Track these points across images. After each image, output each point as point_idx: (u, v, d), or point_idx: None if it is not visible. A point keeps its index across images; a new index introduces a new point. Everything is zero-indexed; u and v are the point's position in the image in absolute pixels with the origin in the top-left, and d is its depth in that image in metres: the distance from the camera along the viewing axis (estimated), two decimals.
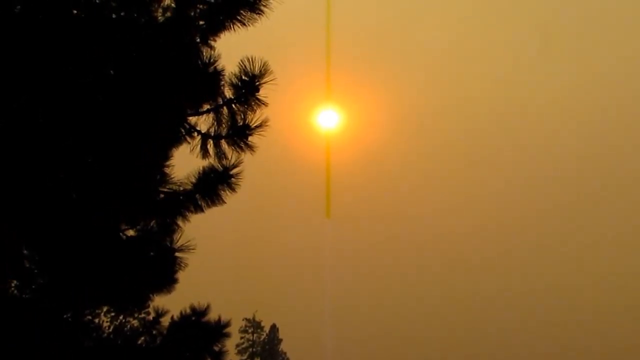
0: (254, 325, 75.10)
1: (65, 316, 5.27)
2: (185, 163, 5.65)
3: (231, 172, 5.62)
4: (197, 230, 5.74)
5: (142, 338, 6.04)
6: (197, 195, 5.59)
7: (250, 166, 5.75)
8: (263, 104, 5.40)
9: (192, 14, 5.36)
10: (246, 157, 5.66)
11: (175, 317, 5.87)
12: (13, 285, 5.20)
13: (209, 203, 5.66)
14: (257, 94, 5.33)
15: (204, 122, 5.49)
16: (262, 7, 5.27)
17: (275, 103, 5.63)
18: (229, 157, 5.56)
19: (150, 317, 6.02)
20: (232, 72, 5.32)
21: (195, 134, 5.50)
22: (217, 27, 5.36)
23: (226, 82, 5.33)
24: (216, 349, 5.86)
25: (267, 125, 5.47)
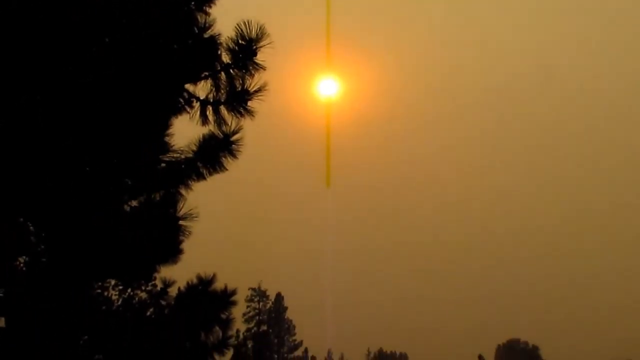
0: (259, 294, 76.04)
1: (74, 290, 5.28)
2: (185, 131, 5.57)
3: (232, 139, 5.54)
4: (198, 200, 5.70)
5: (151, 309, 6.07)
6: (199, 163, 5.52)
7: (250, 135, 5.68)
8: (261, 68, 5.29)
9: None
10: (245, 126, 5.58)
11: (182, 288, 5.87)
12: (21, 261, 5.19)
13: (211, 170, 5.60)
14: (254, 58, 5.22)
15: (202, 89, 5.40)
16: None
17: (273, 69, 5.53)
18: (229, 124, 5.48)
19: (158, 289, 6.03)
20: (229, 37, 5.20)
21: (194, 100, 5.41)
22: None
23: (223, 47, 5.22)
24: (224, 316, 5.87)
25: (266, 90, 5.37)
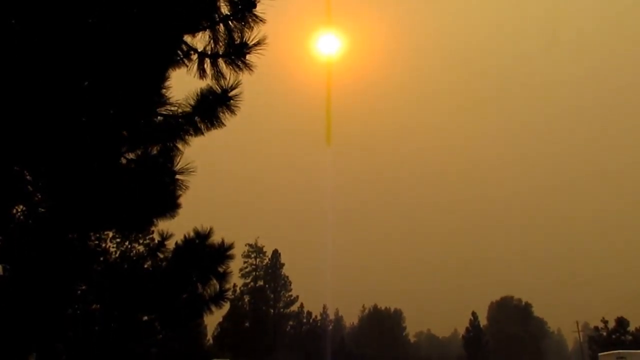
0: (256, 250, 76.98)
1: (71, 241, 5.30)
2: (182, 86, 5.47)
3: (230, 94, 5.45)
4: (198, 157, 5.66)
5: (149, 261, 6.13)
6: (197, 118, 5.45)
7: (249, 91, 5.58)
8: (260, 20, 5.15)
9: None
10: (244, 82, 5.47)
11: (179, 241, 5.90)
12: (19, 210, 5.19)
13: (209, 126, 5.53)
14: (254, 10, 5.08)
15: (200, 41, 5.27)
16: None
17: (273, 23, 5.39)
18: (227, 78, 5.38)
19: (155, 242, 6.07)
20: None
21: (192, 52, 5.30)
22: None
23: None
24: (221, 270, 5.91)
25: (265, 44, 5.25)
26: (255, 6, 5.07)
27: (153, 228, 5.98)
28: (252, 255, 76.71)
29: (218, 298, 5.81)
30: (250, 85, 5.52)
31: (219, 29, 5.18)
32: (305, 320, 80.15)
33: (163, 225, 5.86)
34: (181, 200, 5.74)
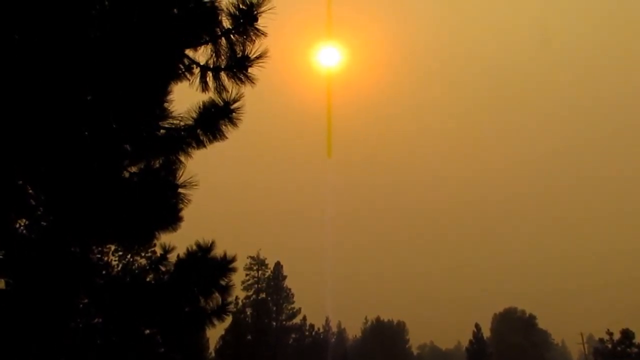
0: (258, 262, 76.69)
1: (73, 254, 5.30)
2: (185, 99, 5.49)
3: (232, 107, 5.47)
4: (200, 170, 5.66)
5: (151, 275, 6.11)
6: (199, 131, 5.46)
7: (251, 103, 5.59)
8: (262, 34, 5.18)
9: None
10: (247, 96, 5.48)
11: (181, 254, 5.89)
12: (22, 224, 5.18)
13: (211, 138, 5.54)
14: (255, 23, 5.10)
15: (202, 55, 5.30)
16: None
17: (274, 36, 5.41)
18: (229, 91, 5.40)
19: (157, 255, 6.06)
20: (229, 1, 5.08)
21: (195, 66, 5.32)
22: None
23: (224, 12, 5.11)
24: (223, 283, 5.89)
25: (267, 57, 5.27)
26: (256, 20, 5.09)
27: (155, 241, 5.98)
28: (254, 268, 76.37)
29: (220, 311, 5.78)
30: (251, 98, 5.54)
31: (220, 42, 5.21)
32: (307, 333, 79.59)
33: (165, 238, 5.85)
34: (183, 212, 5.73)
